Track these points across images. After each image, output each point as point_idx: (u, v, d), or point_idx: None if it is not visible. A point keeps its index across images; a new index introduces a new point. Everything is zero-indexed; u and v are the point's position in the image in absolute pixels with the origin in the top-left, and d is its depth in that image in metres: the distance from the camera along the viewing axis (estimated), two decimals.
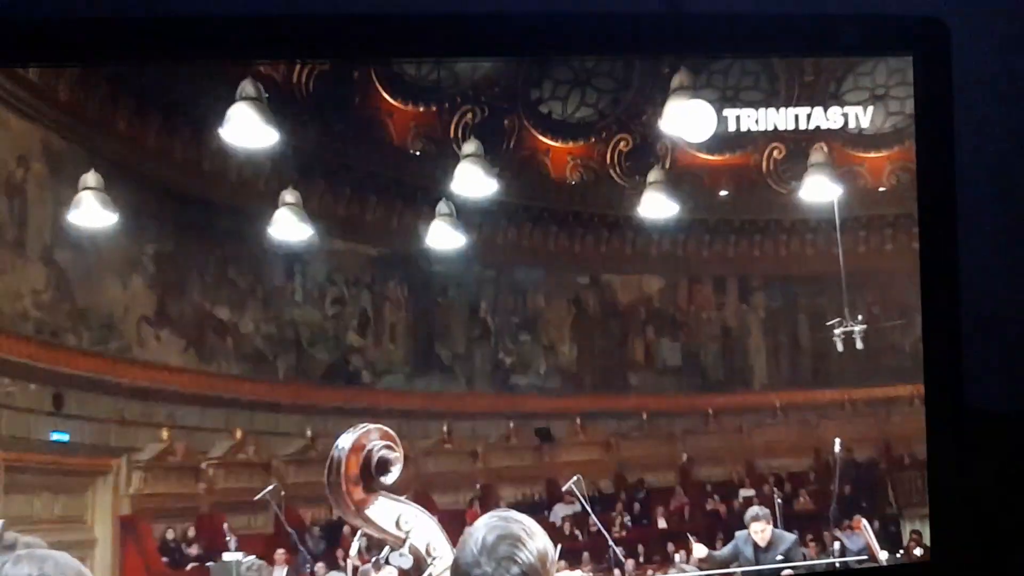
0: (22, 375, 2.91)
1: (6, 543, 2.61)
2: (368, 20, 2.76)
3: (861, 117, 3.60)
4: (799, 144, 3.63)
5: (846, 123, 3.58)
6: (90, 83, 2.68)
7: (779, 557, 3.80)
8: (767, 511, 3.88)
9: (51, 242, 2.82)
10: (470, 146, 3.20)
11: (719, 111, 3.47)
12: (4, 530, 2.76)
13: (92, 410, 3.03)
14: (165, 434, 3.13)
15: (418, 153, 3.17)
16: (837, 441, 4.00)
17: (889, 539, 3.98)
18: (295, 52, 2.83)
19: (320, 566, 3.42)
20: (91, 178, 2.86)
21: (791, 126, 3.57)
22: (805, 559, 3.84)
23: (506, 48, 3.06)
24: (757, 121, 3.50)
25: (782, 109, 3.52)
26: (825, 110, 3.57)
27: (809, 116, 3.59)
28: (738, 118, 3.49)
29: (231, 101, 2.88)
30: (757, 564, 3.80)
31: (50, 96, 2.73)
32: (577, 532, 3.95)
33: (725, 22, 3.25)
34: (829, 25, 3.37)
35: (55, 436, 3.02)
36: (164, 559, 3.20)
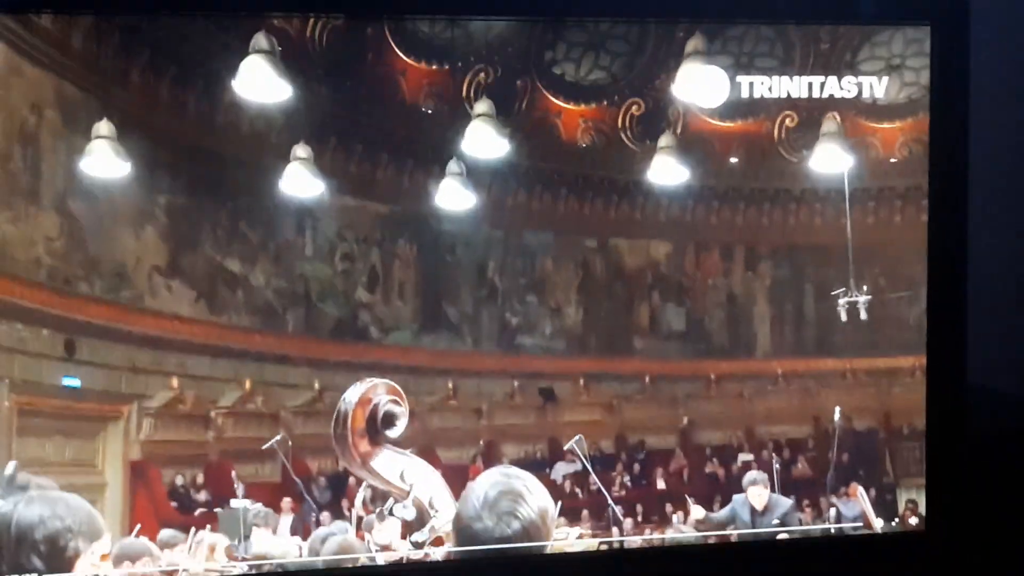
0: (35, 321, 2.91)
1: (19, 484, 2.62)
2: None
3: (876, 87, 3.53)
4: (812, 113, 3.57)
5: (860, 93, 3.51)
6: (104, 32, 2.64)
7: (775, 521, 3.79)
8: (765, 475, 3.88)
9: (64, 190, 2.80)
10: (482, 106, 3.16)
11: (732, 77, 3.41)
12: (16, 472, 2.78)
13: (103, 357, 3.03)
14: (175, 383, 3.13)
15: (430, 112, 3.13)
16: (837, 410, 3.99)
17: (885, 507, 3.97)
18: (309, 6, 2.78)
19: (325, 515, 3.43)
20: (104, 127, 2.84)
21: (804, 94, 3.51)
22: (801, 524, 3.83)
23: (520, 9, 3.01)
24: (770, 88, 3.45)
25: (796, 77, 3.46)
26: (839, 79, 3.50)
27: (823, 85, 3.52)
28: (751, 85, 3.43)
29: (244, 54, 2.84)
30: (753, 527, 3.79)
31: (64, 44, 2.69)
32: (577, 490, 3.95)
33: None
34: None
35: (67, 381, 3.02)
36: (173, 504, 3.21)
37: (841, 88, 3.50)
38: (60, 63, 2.77)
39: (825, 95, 3.51)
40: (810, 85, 3.48)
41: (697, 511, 3.80)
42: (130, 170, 2.88)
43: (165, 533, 3.21)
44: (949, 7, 3.24)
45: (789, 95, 3.44)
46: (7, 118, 2.74)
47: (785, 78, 3.41)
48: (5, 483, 2.62)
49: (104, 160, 2.84)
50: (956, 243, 3.28)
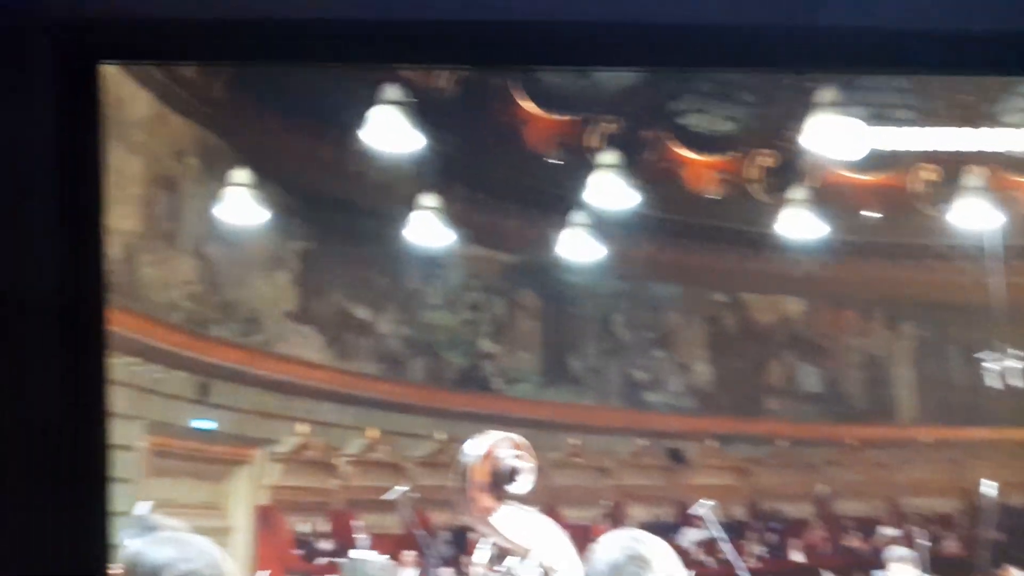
0: (170, 363, 2.91)
1: (151, 524, 2.58)
2: (511, 26, 2.64)
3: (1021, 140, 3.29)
4: (952, 166, 3.35)
5: (1004, 146, 3.28)
6: (243, 83, 2.68)
7: None
8: (913, 554, 3.55)
9: (202, 236, 2.82)
10: (608, 156, 3.07)
11: (867, 129, 3.23)
12: (149, 511, 2.74)
13: (235, 400, 3.01)
14: (303, 428, 3.08)
15: (556, 161, 3.05)
16: (989, 483, 3.64)
17: None
18: (438, 58, 2.73)
19: (447, 571, 3.29)
20: (242, 175, 2.86)
21: (944, 147, 3.29)
22: None
23: (643, 59, 2.88)
24: (906, 140, 3.24)
25: (934, 129, 3.25)
26: (980, 131, 3.28)
27: (963, 137, 3.30)
28: (886, 136, 3.24)
29: (374, 104, 2.84)
30: None
31: (206, 94, 2.74)
32: (706, 558, 3.69)
33: (870, 37, 2.99)
34: (979, 42, 3.05)
35: (199, 424, 3.00)
36: (297, 551, 3.13)
37: (982, 141, 3.27)
38: (202, 112, 2.83)
39: (965, 148, 3.29)
40: (949, 137, 3.27)
41: None
42: (265, 217, 2.88)
43: None
44: None
45: (927, 147, 3.24)
46: (151, 163, 2.80)
47: (923, 130, 3.21)
48: (138, 523, 2.57)
49: (240, 207, 2.86)
50: None
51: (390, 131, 2.96)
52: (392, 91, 2.86)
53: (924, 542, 3.60)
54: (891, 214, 3.36)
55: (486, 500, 3.22)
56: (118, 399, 2.27)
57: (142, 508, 2.78)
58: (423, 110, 2.93)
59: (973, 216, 3.41)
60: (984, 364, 3.48)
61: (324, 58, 1.99)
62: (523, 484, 3.23)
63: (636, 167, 3.18)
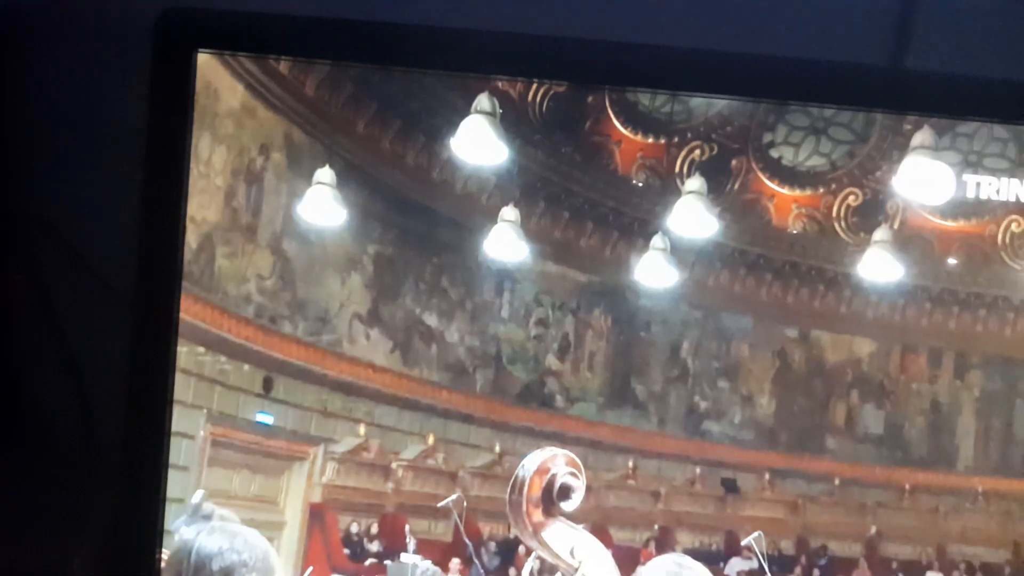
0: (237, 355, 2.84)
1: (204, 512, 2.54)
2: (608, 46, 2.54)
3: None
4: None
5: None
6: (336, 82, 2.59)
7: None
8: None
9: (280, 231, 2.74)
10: (694, 183, 2.96)
11: (959, 175, 3.10)
12: (203, 500, 2.68)
13: (297, 397, 2.95)
14: (362, 430, 3.02)
15: (641, 184, 2.95)
16: None
17: None
18: (535, 71, 2.63)
19: None
20: (325, 174, 2.78)
21: None
22: None
23: (739, 88, 2.77)
24: (998, 191, 3.11)
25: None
26: None
27: None
28: (978, 184, 3.11)
29: (466, 114, 2.74)
30: None
31: (297, 90, 2.65)
32: None
33: (960, 83, 2.87)
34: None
35: (260, 417, 2.94)
36: (346, 551, 3.08)
37: None
38: (292, 108, 2.74)
39: None
40: None
41: None
42: (345, 217, 2.80)
43: None
44: None
45: (1018, 198, 3.11)
46: (237, 156, 2.72)
47: (1016, 180, 3.08)
48: (191, 511, 2.53)
49: (322, 205, 2.78)
50: None
51: (479, 141, 2.87)
52: (484, 101, 2.76)
53: None
54: (973, 263, 3.26)
55: (538, 514, 3.13)
56: (183, 387, 2.15)
57: (197, 497, 2.73)
58: (514, 123, 2.83)
59: None
60: None
61: (419, 63, 1.90)
62: (575, 501, 3.14)
63: (721, 196, 3.08)
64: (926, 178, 3.13)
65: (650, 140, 3.00)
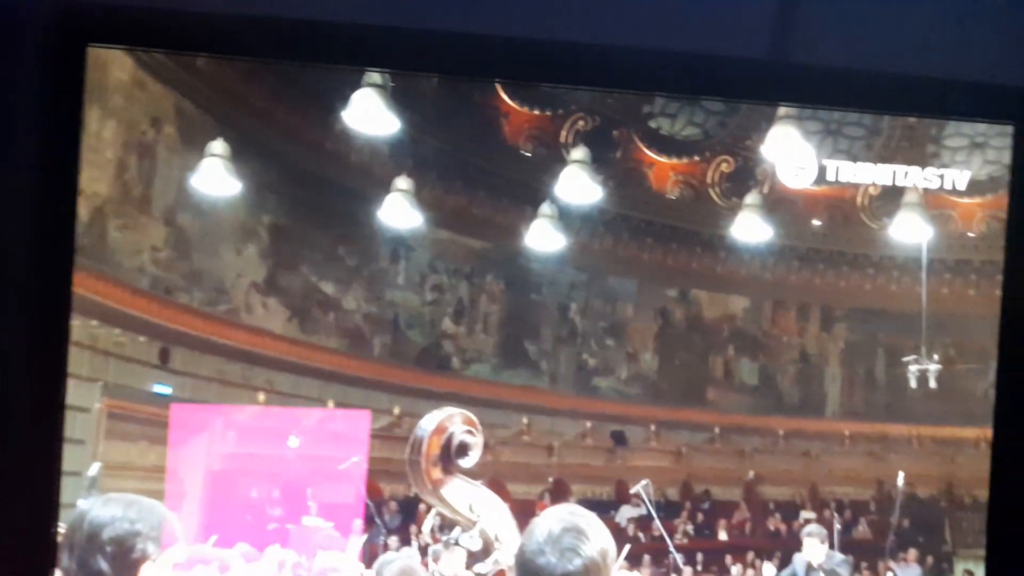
0: (134, 327, 2.77)
1: (101, 485, 2.47)
2: (493, 40, 2.53)
3: (957, 180, 3.34)
4: (894, 183, 3.37)
5: (943, 180, 3.31)
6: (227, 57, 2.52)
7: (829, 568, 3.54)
8: (824, 531, 3.62)
9: (174, 203, 2.67)
10: (578, 152, 3.00)
11: (821, 143, 3.22)
12: (100, 473, 2.61)
13: (195, 367, 2.88)
14: (262, 397, 2.98)
15: (529, 154, 2.97)
16: (900, 475, 3.73)
17: None
18: (419, 64, 2.61)
19: (394, 539, 3.24)
20: (218, 146, 2.71)
21: (889, 171, 3.32)
22: None
23: (612, 81, 2.82)
24: (856, 158, 3.25)
25: (884, 147, 3.26)
26: (923, 149, 3.31)
27: (908, 156, 3.33)
28: (839, 151, 3.24)
29: (357, 86, 2.71)
30: None
31: (189, 63, 2.59)
32: (640, 535, 3.73)
33: (827, 76, 2.98)
34: (931, 88, 3.07)
35: (158, 389, 2.87)
36: (248, 517, 3.04)
37: (924, 177, 3.30)
38: (183, 81, 2.67)
39: (909, 170, 3.32)
40: (896, 155, 3.29)
41: (769, 569, 3.55)
42: (239, 189, 2.75)
43: (238, 547, 3.05)
44: None
45: (875, 164, 3.25)
46: (127, 129, 2.63)
47: (872, 149, 3.22)
48: (89, 484, 2.46)
49: (215, 177, 2.72)
50: None
51: (371, 114, 2.85)
52: (376, 75, 2.74)
53: (837, 524, 3.69)
54: (835, 224, 3.39)
55: (436, 472, 3.15)
56: (77, 360, 2.09)
57: (93, 469, 2.67)
58: (405, 96, 2.82)
59: (910, 231, 3.45)
60: (908, 367, 3.55)
61: (300, 57, 1.85)
62: (473, 459, 3.18)
63: (604, 165, 3.13)
64: (791, 146, 3.25)
65: (536, 112, 3.03)
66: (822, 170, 3.06)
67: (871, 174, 3.09)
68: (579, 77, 2.84)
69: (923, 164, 3.27)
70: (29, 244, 2.30)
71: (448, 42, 2.41)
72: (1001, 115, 3.32)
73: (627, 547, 3.16)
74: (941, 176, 3.19)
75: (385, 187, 3.00)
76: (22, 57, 2.28)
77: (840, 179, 3.07)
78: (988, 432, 3.79)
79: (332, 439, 3.18)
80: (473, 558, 3.25)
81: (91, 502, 2.37)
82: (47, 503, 2.47)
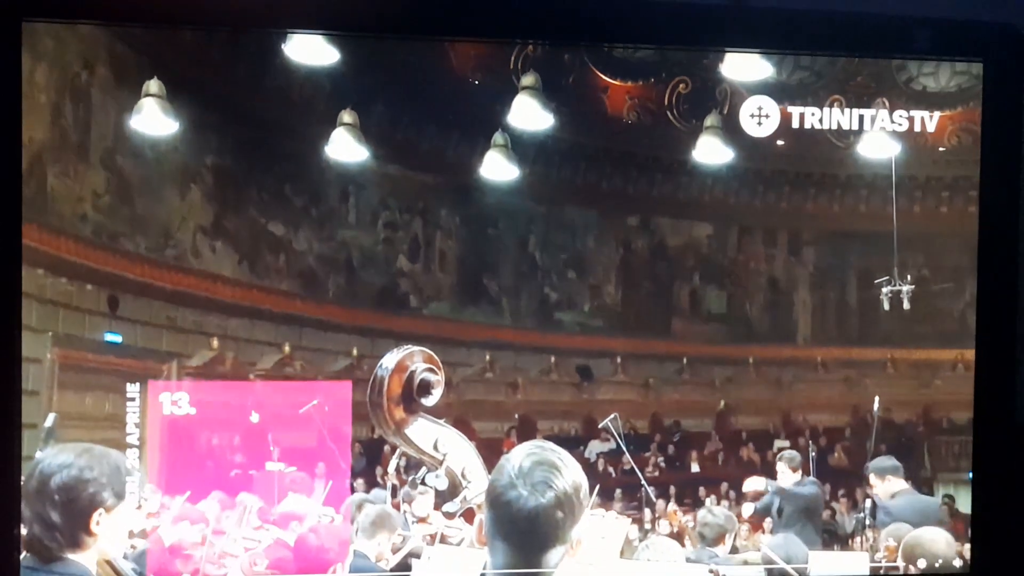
0: (80, 276, 2.86)
1: (56, 436, 2.58)
2: None
3: (928, 121, 3.44)
4: (860, 98, 3.45)
5: (912, 122, 3.42)
6: None
7: (801, 490, 3.70)
8: (797, 456, 3.78)
9: (113, 147, 2.75)
10: (528, 79, 3.07)
11: (781, 60, 3.30)
12: (56, 424, 2.74)
13: (146, 315, 2.98)
14: (215, 343, 3.08)
15: (477, 83, 3.05)
16: (876, 400, 3.86)
17: None
18: (335, 25, 2.71)
19: (360, 482, 3.37)
20: (154, 86, 2.79)
21: (854, 80, 3.40)
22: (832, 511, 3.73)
23: (566, 34, 2.95)
24: (819, 75, 3.33)
25: (847, 62, 3.34)
26: (889, 65, 3.39)
27: (874, 72, 3.41)
28: (799, 66, 3.31)
29: (298, 18, 2.77)
30: (780, 506, 3.70)
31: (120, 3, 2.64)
32: (611, 470, 3.87)
33: (789, 19, 3.12)
34: (898, 27, 3.22)
35: (108, 337, 2.98)
36: (208, 463, 3.16)
37: (894, 117, 3.40)
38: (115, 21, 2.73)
39: (876, 83, 3.40)
40: (861, 70, 3.37)
41: (754, 485, 3.70)
42: (178, 129, 2.82)
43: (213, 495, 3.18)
44: (1004, 44, 3.16)
45: (839, 80, 3.33)
46: (59, 74, 2.71)
47: (836, 63, 3.30)
48: (45, 435, 2.57)
49: (153, 119, 2.80)
50: (1008, 234, 3.16)
51: (312, 46, 2.92)
52: (316, 6, 2.81)
53: (812, 452, 3.83)
54: (800, 144, 3.47)
55: (399, 412, 3.29)
56: (25, 311, 2.22)
57: (49, 420, 2.78)
58: (346, 24, 2.89)
59: (878, 147, 3.54)
60: (881, 290, 3.66)
61: (233, 24, 1.95)
62: (435, 397, 3.31)
63: (556, 91, 3.20)
64: (751, 64, 3.32)
65: (486, 40, 3.09)
66: (785, 117, 3.16)
67: (835, 118, 3.19)
68: (529, 32, 2.96)
69: (891, 81, 3.36)
70: None
71: None
72: (969, 52, 3.45)
73: (596, 487, 3.30)
74: (910, 118, 3.29)
75: (330, 122, 3.07)
76: None
77: (805, 125, 3.17)
78: (966, 353, 3.95)
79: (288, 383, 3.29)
80: (440, 498, 3.41)
81: (45, 452, 2.49)
82: (8, 457, 2.60)
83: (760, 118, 3.17)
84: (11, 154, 2.34)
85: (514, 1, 2.56)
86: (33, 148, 2.76)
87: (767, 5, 3.10)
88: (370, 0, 2.56)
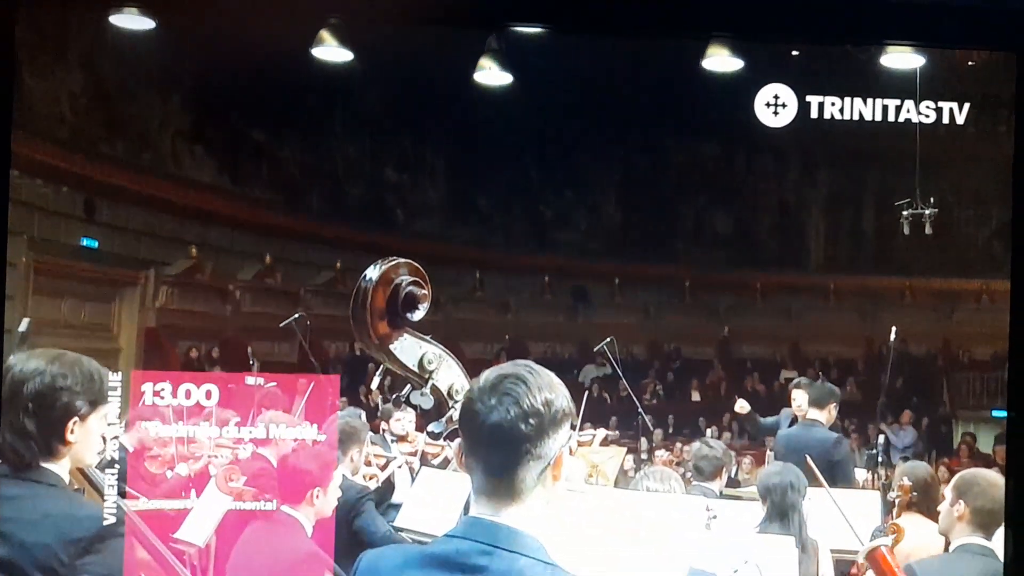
0: (55, 178, 3.13)
1: (30, 342, 2.86)
2: None
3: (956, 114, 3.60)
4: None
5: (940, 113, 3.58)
6: None
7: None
8: (811, 382, 3.98)
9: (91, 48, 3.00)
10: None
11: None
12: (30, 329, 3.00)
13: (124, 221, 3.26)
14: (194, 251, 3.36)
15: None
16: (893, 331, 4.05)
17: (940, 440, 4.08)
18: None
19: (341, 400, 3.65)
20: None
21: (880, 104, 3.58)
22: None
23: (556, 19, 3.15)
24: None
25: None
26: None
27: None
28: None
29: None
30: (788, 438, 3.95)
31: None
32: (606, 395, 4.13)
33: (822, 6, 3.30)
34: (929, 16, 3.38)
35: (85, 242, 3.26)
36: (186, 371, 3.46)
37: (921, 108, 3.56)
38: None
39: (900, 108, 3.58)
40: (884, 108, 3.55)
41: (743, 405, 3.91)
42: (155, 29, 3.07)
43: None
44: None
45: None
46: None
47: None
48: (18, 340, 2.85)
49: (131, 20, 3.03)
50: None
51: None
52: None
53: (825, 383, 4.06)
54: (816, 57, 3.62)
55: (383, 327, 3.60)
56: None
57: (23, 325, 3.08)
58: None
59: (898, 64, 3.72)
60: (902, 213, 3.82)
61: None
62: (421, 311, 3.60)
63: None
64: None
65: None
66: (804, 107, 3.35)
67: (859, 108, 3.39)
68: (503, 14, 3.15)
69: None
70: None
71: None
72: (1002, 43, 3.65)
73: (599, 434, 3.55)
74: (938, 110, 3.46)
75: (315, 25, 3.28)
76: None
77: (824, 115, 3.37)
78: (991, 284, 4.21)
79: (270, 295, 3.56)
80: (426, 417, 3.73)
81: (17, 358, 2.81)
82: None
83: (776, 109, 3.35)
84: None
85: None
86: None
87: None
88: None
